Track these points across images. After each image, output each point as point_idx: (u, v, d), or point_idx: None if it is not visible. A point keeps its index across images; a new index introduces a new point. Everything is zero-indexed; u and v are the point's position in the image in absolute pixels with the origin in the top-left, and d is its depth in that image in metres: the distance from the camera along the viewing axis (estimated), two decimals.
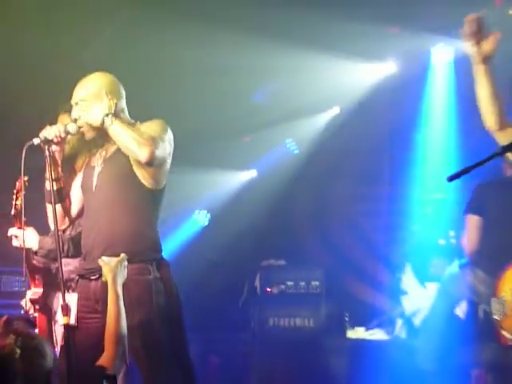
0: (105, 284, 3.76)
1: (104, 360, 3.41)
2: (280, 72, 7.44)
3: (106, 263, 3.67)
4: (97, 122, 4.11)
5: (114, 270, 3.63)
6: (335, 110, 8.32)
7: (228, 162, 8.75)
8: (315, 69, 7.33)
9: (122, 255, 3.77)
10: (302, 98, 7.79)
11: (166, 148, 4.18)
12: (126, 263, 3.85)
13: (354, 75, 7.78)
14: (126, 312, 3.79)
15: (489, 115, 3.95)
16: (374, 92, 7.91)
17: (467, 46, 3.95)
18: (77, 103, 4.18)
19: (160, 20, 6.61)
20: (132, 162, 4.14)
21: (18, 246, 4.49)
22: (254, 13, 6.57)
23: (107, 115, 4.16)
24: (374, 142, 8.00)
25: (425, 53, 7.55)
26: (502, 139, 3.88)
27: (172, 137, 4.27)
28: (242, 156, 8.84)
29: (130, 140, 4.12)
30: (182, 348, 4.16)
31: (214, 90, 7.36)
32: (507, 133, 3.93)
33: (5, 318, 3.72)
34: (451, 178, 2.70)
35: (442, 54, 7.62)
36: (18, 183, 4.46)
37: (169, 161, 4.22)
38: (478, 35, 3.79)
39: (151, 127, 4.22)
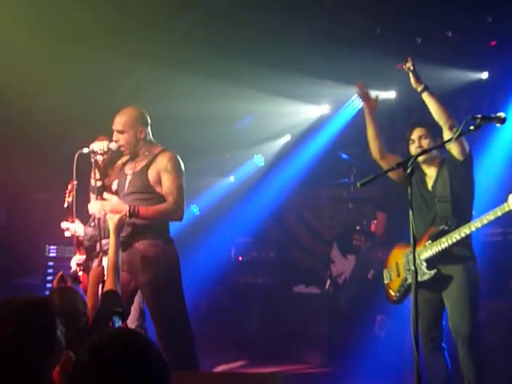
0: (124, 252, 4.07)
1: (108, 284, 3.55)
2: (252, 109, 7.70)
3: (111, 217, 3.87)
4: (131, 150, 4.31)
5: (115, 222, 3.82)
6: (287, 137, 8.60)
7: (215, 171, 8.93)
8: (274, 107, 7.54)
9: (123, 212, 3.94)
10: (266, 128, 8.05)
11: (183, 186, 4.28)
12: (127, 219, 4.02)
13: (300, 113, 8.03)
14: (142, 271, 4.11)
15: (373, 148, 4.34)
16: (313, 125, 8.17)
17: (359, 101, 4.43)
18: (120, 131, 4.26)
19: (169, 74, 6.70)
20: (151, 182, 4.25)
21: (70, 235, 4.55)
22: (240, 68, 6.54)
23: None
24: (314, 158, 8.02)
25: (348, 100, 7.60)
26: (384, 164, 4.27)
27: (183, 170, 4.33)
28: (224, 167, 9.07)
29: (164, 214, 4.22)
30: (181, 301, 4.28)
31: (206, 119, 7.33)
32: (386, 160, 4.28)
33: (60, 273, 3.90)
34: (362, 184, 3.35)
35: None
36: (69, 185, 4.50)
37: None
38: (365, 95, 4.28)
39: (171, 179, 4.22)
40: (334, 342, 6.34)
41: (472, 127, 3.32)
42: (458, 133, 3.38)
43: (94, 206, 4.44)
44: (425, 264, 4.04)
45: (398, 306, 5.18)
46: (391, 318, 5.93)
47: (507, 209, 3.80)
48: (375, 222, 6.58)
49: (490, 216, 3.87)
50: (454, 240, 3.95)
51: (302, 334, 6.67)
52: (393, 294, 4.30)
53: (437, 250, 4.02)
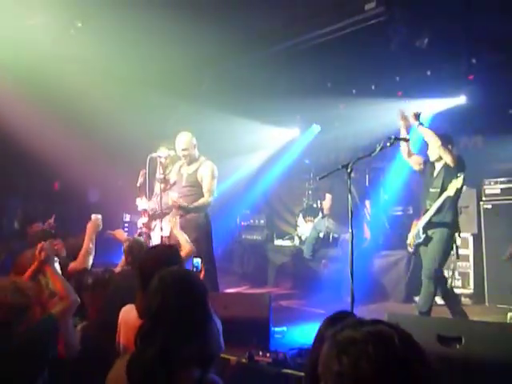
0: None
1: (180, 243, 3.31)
2: (236, 133, 7.01)
3: (171, 220, 3.69)
4: (190, 161, 4.25)
5: (175, 221, 3.62)
6: (264, 153, 7.87)
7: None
8: (253, 130, 7.00)
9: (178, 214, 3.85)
10: (245, 145, 7.33)
11: (215, 185, 4.22)
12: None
13: (274, 134, 7.50)
14: (190, 231, 3.91)
15: (403, 151, 4.01)
16: (284, 146, 7.73)
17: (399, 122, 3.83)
18: (184, 149, 4.24)
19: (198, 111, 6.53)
20: (198, 181, 4.21)
21: (141, 209, 4.55)
22: (237, 101, 6.23)
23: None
24: (289, 163, 7.70)
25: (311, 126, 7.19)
26: (411, 162, 4.02)
27: (217, 173, 4.24)
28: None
29: (202, 204, 4.16)
30: (212, 253, 4.33)
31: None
32: (412, 159, 4.02)
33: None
34: (320, 178, 3.23)
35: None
36: (142, 172, 4.37)
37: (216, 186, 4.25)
38: (404, 118, 3.88)
39: (208, 176, 4.18)
40: (299, 274, 6.35)
41: (388, 144, 3.18)
42: (379, 147, 3.18)
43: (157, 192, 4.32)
44: (421, 231, 3.88)
45: (340, 257, 5.34)
46: (333, 262, 5.81)
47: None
48: (324, 201, 6.28)
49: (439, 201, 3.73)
50: (431, 213, 3.79)
51: (279, 270, 6.63)
52: (410, 248, 4.06)
53: (424, 222, 3.86)
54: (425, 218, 3.87)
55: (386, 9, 4.33)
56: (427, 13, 4.45)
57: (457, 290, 5.03)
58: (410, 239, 4.04)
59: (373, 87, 6.21)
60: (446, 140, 3.85)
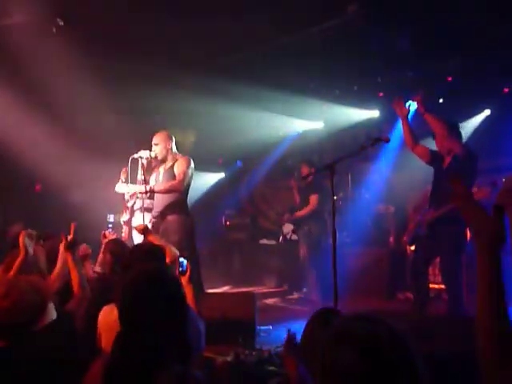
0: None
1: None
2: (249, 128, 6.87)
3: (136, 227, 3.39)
4: (163, 156, 4.21)
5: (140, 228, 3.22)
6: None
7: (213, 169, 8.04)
8: (275, 122, 6.93)
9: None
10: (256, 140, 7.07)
11: (189, 173, 4.12)
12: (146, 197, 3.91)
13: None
14: (171, 233, 3.92)
15: (407, 141, 3.68)
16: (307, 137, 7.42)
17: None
18: (156, 144, 4.19)
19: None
20: (176, 175, 4.08)
21: (121, 192, 4.33)
22: (245, 92, 5.86)
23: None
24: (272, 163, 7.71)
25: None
26: (416, 152, 3.66)
27: (193, 165, 4.16)
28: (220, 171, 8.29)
29: (171, 187, 4.03)
30: (196, 253, 4.16)
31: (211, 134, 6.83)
32: (417, 149, 3.66)
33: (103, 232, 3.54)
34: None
35: None
36: (124, 169, 4.36)
37: (191, 176, 4.16)
38: (400, 105, 3.59)
39: (181, 165, 4.10)
40: (283, 271, 6.39)
41: (369, 144, 3.22)
42: (361, 148, 3.21)
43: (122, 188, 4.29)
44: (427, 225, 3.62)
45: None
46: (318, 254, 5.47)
47: None
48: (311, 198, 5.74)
49: None
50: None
51: (264, 268, 6.68)
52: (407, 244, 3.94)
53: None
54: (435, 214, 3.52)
55: (367, 11, 4.32)
56: (408, 14, 4.43)
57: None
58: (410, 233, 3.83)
59: (355, 88, 6.28)
60: (454, 128, 3.54)
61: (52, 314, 1.81)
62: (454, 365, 2.06)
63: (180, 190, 4.04)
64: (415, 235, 3.77)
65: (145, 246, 2.51)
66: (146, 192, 4.05)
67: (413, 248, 4.07)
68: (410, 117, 3.59)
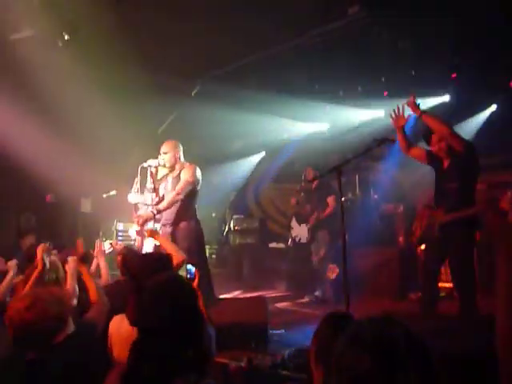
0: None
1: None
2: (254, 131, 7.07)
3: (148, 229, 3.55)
4: (171, 164, 4.21)
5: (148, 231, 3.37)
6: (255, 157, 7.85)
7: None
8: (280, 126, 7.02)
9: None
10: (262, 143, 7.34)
11: (193, 181, 4.11)
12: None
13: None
14: (180, 240, 3.95)
15: (401, 146, 3.62)
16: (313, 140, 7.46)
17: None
18: (165, 152, 4.21)
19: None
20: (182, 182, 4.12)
21: (134, 202, 4.26)
22: (250, 97, 5.97)
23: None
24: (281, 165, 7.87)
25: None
26: (412, 155, 3.62)
27: (199, 173, 4.19)
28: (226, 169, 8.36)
29: (173, 200, 4.03)
30: (205, 259, 4.29)
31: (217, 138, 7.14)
32: (412, 152, 3.61)
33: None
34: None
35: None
36: (136, 179, 4.19)
37: (198, 182, 4.18)
38: (398, 116, 3.49)
39: (185, 174, 4.13)
40: (293, 275, 6.28)
41: (374, 146, 3.20)
42: (366, 149, 3.24)
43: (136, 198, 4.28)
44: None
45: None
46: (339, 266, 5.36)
47: None
48: (329, 200, 5.69)
49: None
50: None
51: (274, 272, 6.63)
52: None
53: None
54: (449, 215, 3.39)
55: (369, 12, 4.31)
56: (409, 14, 4.42)
57: None
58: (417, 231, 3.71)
59: (359, 88, 6.25)
60: (451, 126, 3.48)
61: (71, 325, 1.83)
62: (467, 364, 2.03)
63: (179, 199, 4.04)
64: (424, 236, 3.67)
65: (154, 255, 2.56)
66: (154, 216, 4.01)
67: (423, 247, 4.04)
68: (406, 128, 3.55)
